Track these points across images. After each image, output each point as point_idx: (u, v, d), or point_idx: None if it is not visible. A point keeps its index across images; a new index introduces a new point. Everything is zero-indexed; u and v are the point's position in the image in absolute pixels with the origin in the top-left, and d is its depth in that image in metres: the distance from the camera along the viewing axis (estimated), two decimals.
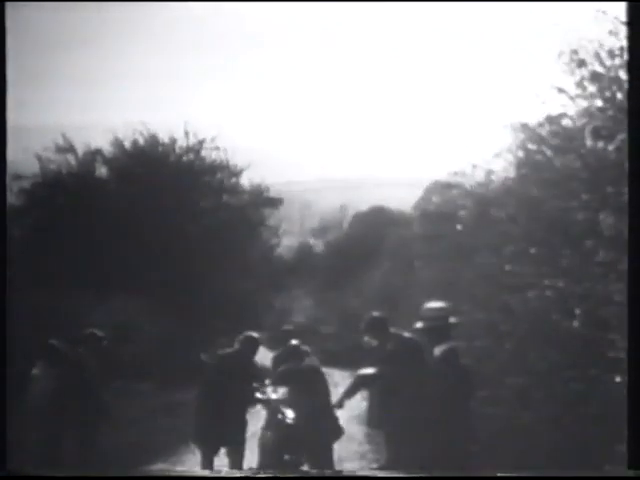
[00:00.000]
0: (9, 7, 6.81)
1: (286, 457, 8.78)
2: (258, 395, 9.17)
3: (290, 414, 8.87)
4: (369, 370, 8.20)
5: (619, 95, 8.79)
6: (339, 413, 8.82)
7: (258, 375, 9.41)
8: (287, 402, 8.97)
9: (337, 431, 9.09)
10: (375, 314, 8.45)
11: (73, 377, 9.37)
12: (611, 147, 8.64)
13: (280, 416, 8.89)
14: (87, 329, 9.97)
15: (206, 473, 8.82)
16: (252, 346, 9.47)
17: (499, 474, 6.94)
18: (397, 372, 7.99)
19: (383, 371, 8.10)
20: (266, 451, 8.92)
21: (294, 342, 9.62)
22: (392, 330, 8.28)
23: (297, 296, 16.52)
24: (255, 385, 9.25)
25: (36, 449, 9.03)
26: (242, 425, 9.35)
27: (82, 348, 9.70)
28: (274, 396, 9.10)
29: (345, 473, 9.13)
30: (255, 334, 9.57)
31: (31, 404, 9.15)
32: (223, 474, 8.58)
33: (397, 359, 8.06)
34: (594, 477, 7.25)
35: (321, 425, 8.87)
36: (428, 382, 7.91)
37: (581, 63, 9.26)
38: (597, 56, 9.22)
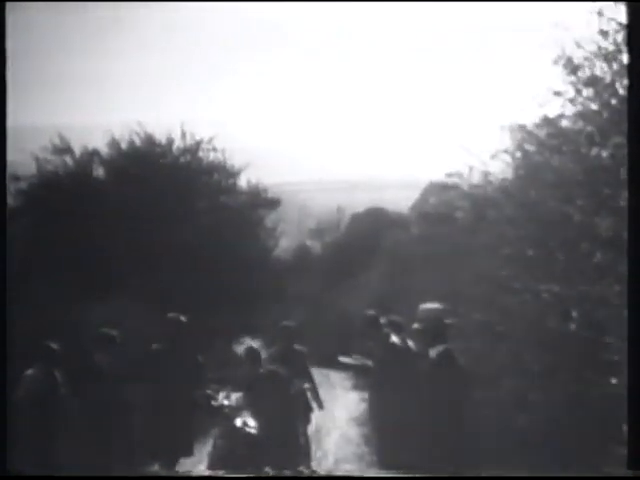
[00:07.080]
0: (9, 8, 6.82)
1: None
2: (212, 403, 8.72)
3: (252, 422, 8.33)
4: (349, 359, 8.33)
5: (613, 100, 8.83)
6: (338, 414, 8.81)
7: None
8: (248, 409, 8.42)
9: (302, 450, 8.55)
10: (370, 312, 8.65)
11: (78, 377, 9.30)
12: (605, 153, 8.68)
13: (239, 424, 8.35)
14: (99, 329, 9.85)
15: (206, 473, 8.75)
16: None
17: (498, 474, 6.97)
18: (391, 374, 8.09)
19: (377, 370, 8.20)
20: (220, 462, 8.36)
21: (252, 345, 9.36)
22: (385, 330, 8.45)
23: (294, 297, 16.49)
24: (208, 392, 8.89)
25: (33, 447, 8.99)
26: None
27: (94, 348, 9.60)
28: (226, 402, 8.65)
29: (344, 474, 9.13)
30: None
31: (19, 405, 9.06)
32: (221, 474, 8.50)
33: (388, 360, 8.20)
34: (594, 477, 7.27)
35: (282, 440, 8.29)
36: (423, 384, 7.95)
37: (576, 69, 9.30)
38: (594, 58, 9.26)
